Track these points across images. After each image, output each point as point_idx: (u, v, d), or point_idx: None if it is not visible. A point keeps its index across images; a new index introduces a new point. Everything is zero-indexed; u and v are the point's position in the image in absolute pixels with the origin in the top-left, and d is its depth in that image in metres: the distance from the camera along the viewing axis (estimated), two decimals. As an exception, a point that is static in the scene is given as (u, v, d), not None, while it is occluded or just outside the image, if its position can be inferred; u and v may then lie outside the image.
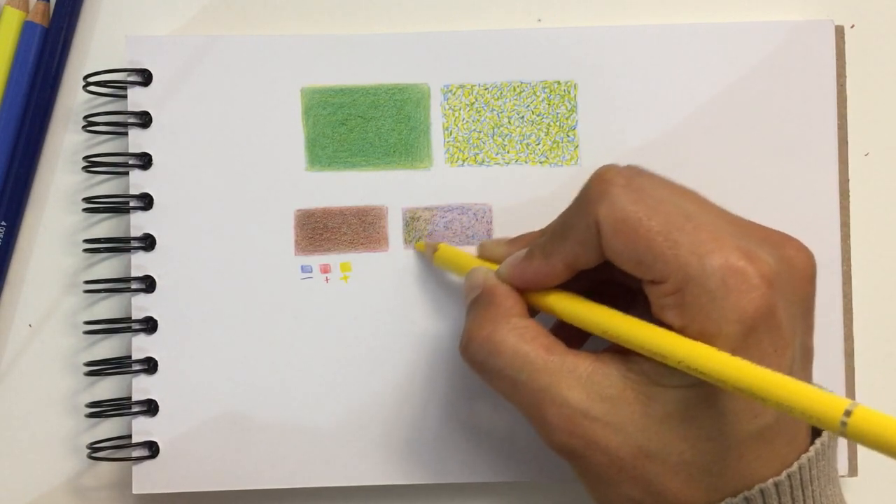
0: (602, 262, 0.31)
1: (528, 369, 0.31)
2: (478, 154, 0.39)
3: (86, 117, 0.40)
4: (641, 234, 0.29)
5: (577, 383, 0.30)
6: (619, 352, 0.31)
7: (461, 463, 0.39)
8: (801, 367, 0.31)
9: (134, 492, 0.39)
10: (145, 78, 0.39)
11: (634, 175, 0.31)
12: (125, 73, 0.39)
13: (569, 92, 0.39)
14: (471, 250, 0.38)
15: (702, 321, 0.29)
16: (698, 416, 0.29)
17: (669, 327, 0.29)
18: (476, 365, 0.33)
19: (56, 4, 0.41)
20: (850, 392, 0.39)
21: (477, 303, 0.34)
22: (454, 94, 0.39)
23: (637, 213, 0.29)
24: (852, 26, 0.41)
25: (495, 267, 0.35)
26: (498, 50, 0.39)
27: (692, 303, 0.29)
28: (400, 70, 0.39)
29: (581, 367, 0.31)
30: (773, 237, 0.31)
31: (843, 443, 0.39)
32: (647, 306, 0.30)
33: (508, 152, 0.39)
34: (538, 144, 0.39)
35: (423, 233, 0.39)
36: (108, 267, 0.41)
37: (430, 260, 0.38)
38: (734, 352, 0.28)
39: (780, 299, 0.29)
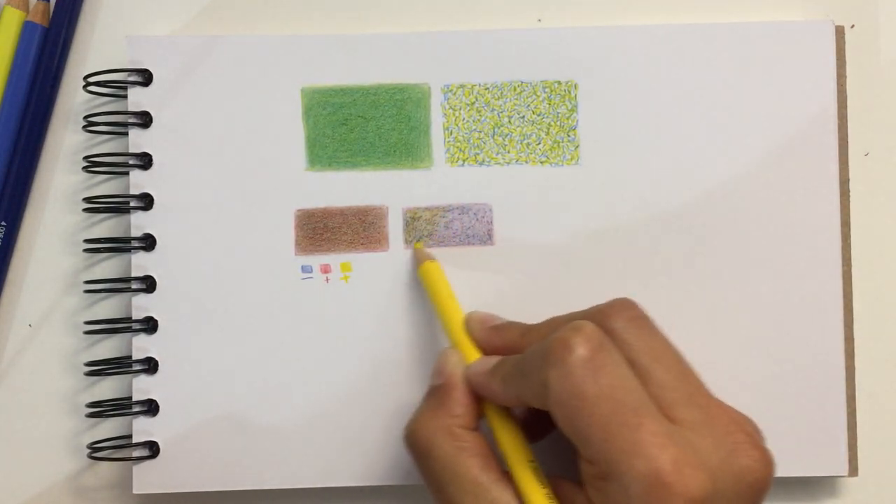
0: None
1: (456, 484, 0.31)
2: (478, 154, 0.39)
3: (86, 117, 0.40)
4: (583, 415, 0.29)
5: None
6: (562, 492, 0.31)
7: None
8: None
9: (134, 492, 0.39)
10: (146, 78, 0.39)
11: (600, 348, 0.29)
12: (125, 73, 0.39)
13: (569, 92, 0.39)
14: (468, 252, 0.38)
15: None
16: None
17: (589, 500, 0.29)
18: (413, 455, 0.33)
19: (56, 4, 0.41)
20: (851, 392, 0.39)
21: (434, 394, 0.34)
22: (454, 93, 0.39)
23: (585, 394, 0.29)
24: (852, 26, 0.41)
25: (467, 347, 0.35)
26: (498, 50, 0.39)
27: (613, 497, 0.28)
28: (400, 70, 0.39)
29: (502, 501, 0.31)
30: (733, 439, 0.30)
31: (842, 442, 0.39)
32: None
33: (509, 152, 0.39)
34: (538, 144, 0.39)
35: (423, 233, 0.39)
36: (109, 267, 0.41)
37: (416, 265, 0.39)
38: None
39: None
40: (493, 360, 0.33)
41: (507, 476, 0.32)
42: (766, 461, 0.30)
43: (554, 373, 0.29)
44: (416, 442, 0.33)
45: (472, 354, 0.35)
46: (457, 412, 0.33)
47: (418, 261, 0.38)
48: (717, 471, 0.28)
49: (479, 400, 0.33)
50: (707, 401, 0.31)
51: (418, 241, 0.39)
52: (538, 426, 0.34)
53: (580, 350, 0.29)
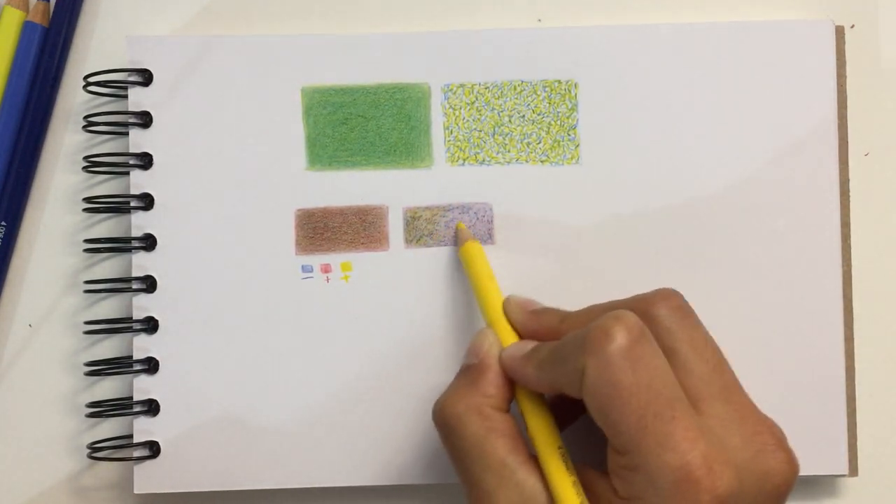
0: None
1: (483, 464, 0.31)
2: (478, 153, 0.39)
3: (86, 117, 0.40)
4: (617, 405, 0.29)
5: (516, 500, 0.31)
6: (586, 480, 0.31)
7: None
8: None
9: (135, 492, 0.39)
10: (146, 78, 0.39)
11: (639, 339, 0.29)
12: (125, 73, 0.39)
13: (569, 91, 0.39)
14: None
15: None
16: None
17: (613, 489, 0.29)
18: (440, 431, 0.33)
19: (56, 4, 0.41)
20: (850, 392, 0.39)
21: (467, 372, 0.34)
22: (455, 93, 0.39)
23: (622, 383, 0.29)
24: (852, 26, 0.41)
25: (504, 329, 0.35)
26: (498, 49, 0.39)
27: (639, 489, 0.28)
28: (400, 69, 0.39)
29: (528, 485, 0.31)
30: (761, 440, 0.30)
31: (843, 442, 0.39)
32: None
33: (509, 151, 0.39)
34: (539, 143, 0.39)
35: (423, 232, 0.39)
36: (109, 267, 0.41)
37: (458, 245, 0.38)
38: None
39: None
40: (530, 344, 0.33)
41: (533, 460, 0.32)
42: (792, 464, 0.30)
43: (591, 361, 0.29)
44: (445, 418, 0.33)
45: (509, 337, 0.34)
46: (489, 392, 0.33)
47: (460, 241, 0.38)
48: (743, 469, 0.29)
49: (512, 383, 0.33)
50: (740, 398, 0.31)
51: (460, 222, 0.39)
52: (563, 414, 0.34)
53: (619, 339, 0.29)
